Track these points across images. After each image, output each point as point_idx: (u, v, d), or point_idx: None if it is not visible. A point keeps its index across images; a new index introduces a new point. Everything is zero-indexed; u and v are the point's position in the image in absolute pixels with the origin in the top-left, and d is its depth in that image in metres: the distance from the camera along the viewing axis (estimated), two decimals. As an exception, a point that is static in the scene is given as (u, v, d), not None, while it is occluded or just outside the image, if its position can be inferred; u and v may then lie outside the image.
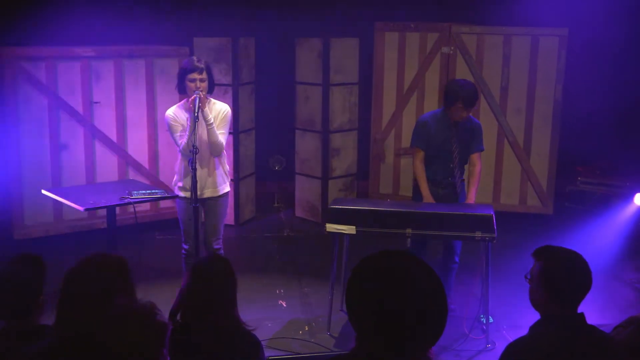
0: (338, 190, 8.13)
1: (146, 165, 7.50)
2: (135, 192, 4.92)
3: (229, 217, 7.84)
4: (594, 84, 7.80)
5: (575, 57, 7.84)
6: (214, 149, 5.21)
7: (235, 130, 7.75)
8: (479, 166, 5.42)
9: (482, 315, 5.40)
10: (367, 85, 8.25)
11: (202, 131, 5.14)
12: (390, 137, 8.30)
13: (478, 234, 4.84)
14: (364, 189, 8.53)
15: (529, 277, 3.04)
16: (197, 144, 4.99)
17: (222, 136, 5.25)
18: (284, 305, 5.83)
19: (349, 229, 5.00)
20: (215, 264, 3.22)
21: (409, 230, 4.93)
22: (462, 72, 7.91)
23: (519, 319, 5.52)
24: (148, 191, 4.98)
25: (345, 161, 8.15)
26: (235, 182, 7.84)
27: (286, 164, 8.77)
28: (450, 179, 5.41)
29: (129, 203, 4.76)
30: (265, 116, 8.56)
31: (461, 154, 5.39)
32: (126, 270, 2.81)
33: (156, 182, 7.53)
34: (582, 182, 8.93)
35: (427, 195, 5.35)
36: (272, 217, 8.43)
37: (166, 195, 4.98)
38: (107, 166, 7.27)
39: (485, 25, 7.94)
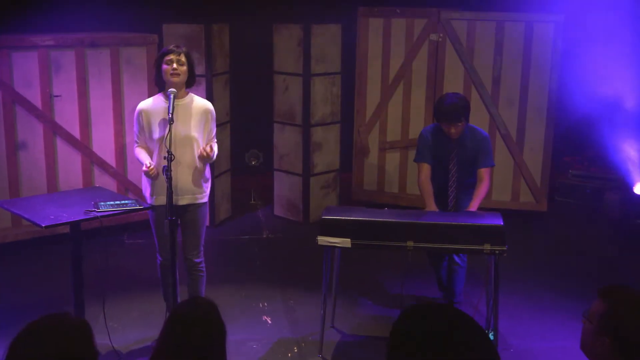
0: (320, 188, 7.63)
1: (113, 163, 6.90)
2: (102, 203, 4.35)
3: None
4: (591, 73, 7.36)
5: (571, 45, 7.39)
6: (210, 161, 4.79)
7: (210, 124, 7.16)
8: (486, 182, 5.03)
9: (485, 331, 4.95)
10: (350, 75, 7.75)
11: (178, 130, 4.56)
12: (374, 130, 7.81)
13: (487, 247, 4.38)
14: (347, 186, 8.04)
15: (586, 317, 2.54)
16: (173, 146, 4.43)
17: (214, 141, 4.74)
18: (269, 322, 5.31)
19: (343, 242, 4.50)
20: (198, 310, 2.67)
21: (410, 243, 4.44)
22: (451, 60, 7.45)
23: (527, 333, 5.10)
24: (117, 202, 4.41)
25: (327, 156, 7.63)
26: (211, 180, 7.26)
27: (263, 159, 8.23)
28: (443, 198, 5.03)
29: (95, 217, 4.19)
30: (241, 109, 8.01)
31: (461, 169, 4.99)
32: (88, 336, 2.23)
33: (124, 182, 6.95)
34: (574, 175, 8.57)
35: (430, 205, 4.97)
36: (249, 216, 7.90)
37: (137, 206, 4.41)
38: (70, 166, 6.67)
39: (476, 10, 7.47)
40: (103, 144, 6.81)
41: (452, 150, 5.03)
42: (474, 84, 7.41)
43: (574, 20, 7.33)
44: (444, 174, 5.08)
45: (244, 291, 5.85)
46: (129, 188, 6.98)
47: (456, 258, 5.10)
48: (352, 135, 7.89)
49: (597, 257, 6.71)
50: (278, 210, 7.85)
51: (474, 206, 4.96)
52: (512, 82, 7.41)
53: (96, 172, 6.81)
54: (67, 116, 6.60)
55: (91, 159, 6.77)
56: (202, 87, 7.09)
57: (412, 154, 7.66)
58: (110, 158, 6.88)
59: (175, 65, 4.50)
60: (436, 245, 4.48)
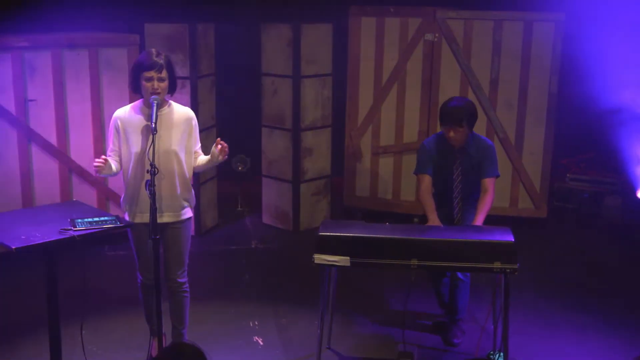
0: (311, 195, 7.29)
1: (92, 171, 6.48)
2: (79, 220, 3.98)
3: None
4: (593, 74, 7.08)
5: (572, 45, 7.09)
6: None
7: (195, 129, 6.80)
8: (490, 193, 4.73)
9: (491, 353, 4.66)
10: (341, 77, 7.41)
11: (159, 142, 4.20)
12: (367, 135, 7.48)
13: (497, 265, 4.07)
14: (338, 193, 7.71)
15: None
16: (157, 160, 4.08)
17: (201, 151, 4.45)
18: (261, 343, 4.97)
19: (342, 261, 4.17)
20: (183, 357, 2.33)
21: (414, 262, 4.12)
22: (447, 61, 7.13)
23: (537, 353, 4.80)
24: (95, 219, 4.04)
25: (318, 162, 7.30)
26: (196, 187, 6.92)
27: (251, 164, 7.88)
28: (448, 210, 4.72)
29: (71, 236, 3.83)
30: (227, 112, 7.65)
31: (465, 180, 4.70)
32: None
33: (104, 191, 6.57)
34: (571, 179, 8.28)
35: (433, 219, 4.66)
36: (236, 224, 7.55)
37: (118, 224, 4.05)
38: (47, 175, 6.27)
39: (473, 9, 7.15)
40: (82, 151, 6.43)
41: (455, 160, 4.74)
42: (471, 85, 7.11)
43: (575, 19, 7.03)
44: (447, 186, 4.79)
45: (232, 308, 5.50)
46: (109, 197, 6.61)
47: (459, 273, 4.79)
48: (344, 139, 7.56)
49: (601, 267, 6.42)
50: (267, 219, 7.51)
51: (479, 220, 4.65)
52: (510, 84, 7.11)
53: (75, 181, 6.43)
54: (43, 122, 6.21)
55: (69, 167, 6.39)
56: (187, 89, 6.74)
57: (406, 159, 7.44)
58: (89, 165, 6.48)
59: (156, 84, 4.14)
60: (442, 264, 4.16)
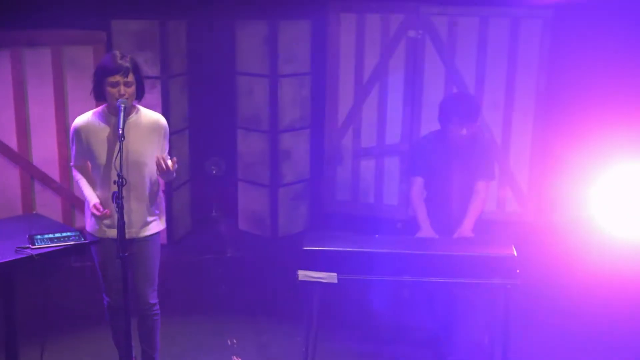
0: (289, 199, 6.95)
1: (56, 177, 6.12)
2: (39, 237, 3.62)
3: (162, 235, 6.59)
4: (582, 73, 6.82)
5: (561, 42, 6.82)
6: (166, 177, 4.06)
7: (166, 131, 6.43)
8: (483, 196, 4.42)
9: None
10: (320, 76, 7.07)
11: (127, 151, 3.84)
12: (348, 136, 7.15)
13: (497, 281, 3.77)
14: (318, 197, 7.37)
15: None
16: (124, 170, 3.71)
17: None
18: (240, 364, 4.63)
19: (328, 277, 3.84)
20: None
21: (407, 278, 3.80)
22: (431, 59, 6.83)
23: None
24: (57, 234, 3.68)
25: (296, 165, 6.96)
26: (168, 193, 6.55)
27: (226, 168, 7.51)
28: (444, 217, 4.37)
29: (29, 256, 3.46)
30: (200, 113, 7.25)
31: (462, 183, 4.35)
32: None
33: (70, 198, 6.18)
34: (555, 180, 8.03)
35: (425, 227, 4.28)
36: (211, 230, 7.17)
37: (81, 240, 3.69)
38: (7, 181, 5.87)
39: (458, 5, 6.83)
40: (45, 156, 6.02)
41: (453, 159, 4.35)
42: (456, 84, 6.81)
43: (563, 16, 6.75)
44: (445, 189, 4.41)
45: (208, 325, 5.16)
46: (75, 205, 6.22)
47: (455, 290, 4.48)
48: (324, 141, 7.22)
49: (595, 274, 6.15)
50: (243, 224, 7.15)
51: (468, 225, 4.33)
52: (496, 83, 6.82)
53: (37, 188, 6.03)
54: (3, 125, 5.81)
55: (31, 174, 5.98)
56: (157, 90, 6.36)
57: (389, 161, 7.13)
58: (53, 172, 6.10)
59: (122, 90, 3.76)
60: (438, 280, 3.84)
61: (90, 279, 5.65)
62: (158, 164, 3.81)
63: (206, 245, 6.77)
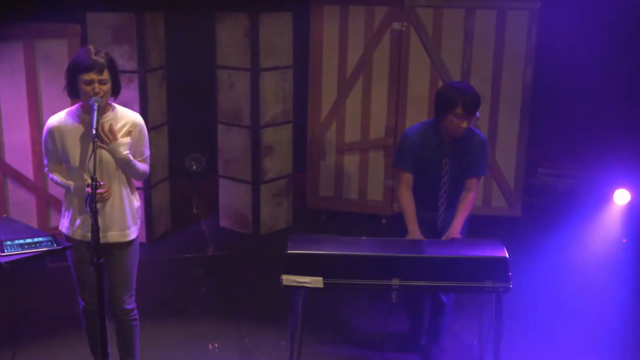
0: (272, 196, 6.78)
1: (30, 175, 5.90)
2: (8, 242, 3.43)
3: (140, 233, 6.39)
4: (569, 65, 6.71)
5: (548, 34, 6.71)
6: (139, 179, 3.90)
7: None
8: (474, 194, 4.22)
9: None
10: (303, 69, 6.91)
11: (102, 153, 3.66)
12: (331, 131, 7.01)
13: (488, 284, 3.63)
14: (301, 193, 7.22)
15: None
16: (99, 173, 3.53)
17: (145, 162, 3.85)
18: (221, 369, 4.46)
19: (314, 282, 3.68)
20: None
21: (395, 281, 3.65)
22: (416, 51, 6.69)
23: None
24: (28, 240, 3.49)
25: (279, 161, 6.79)
26: (146, 191, 6.37)
27: (206, 164, 7.33)
28: (430, 214, 4.19)
29: (-1, 264, 3.27)
30: (180, 108, 7.08)
31: (453, 179, 4.16)
32: None
33: (45, 197, 5.97)
34: (543, 174, 7.93)
35: (413, 231, 4.09)
36: (191, 228, 7.00)
37: (54, 246, 3.50)
38: (-22, 181, 5.66)
39: (443, -4, 6.70)
40: (18, 154, 5.80)
41: (444, 154, 4.13)
42: (442, 77, 6.67)
43: (549, 8, 6.63)
44: (433, 184, 4.19)
45: (189, 328, 4.97)
46: (50, 204, 6.01)
47: (442, 295, 4.34)
48: (307, 136, 7.07)
49: (583, 273, 6.05)
50: (224, 222, 6.98)
51: (459, 223, 4.16)
52: (483, 75, 6.70)
53: (10, 186, 5.81)
54: (-27, 122, 5.59)
55: (4, 172, 5.77)
56: (135, 84, 6.17)
57: (373, 156, 6.99)
58: (26, 169, 5.88)
59: (97, 88, 3.56)
60: (427, 284, 3.69)
61: (66, 280, 5.47)
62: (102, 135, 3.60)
63: (186, 243, 6.60)
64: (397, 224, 4.32)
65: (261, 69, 6.43)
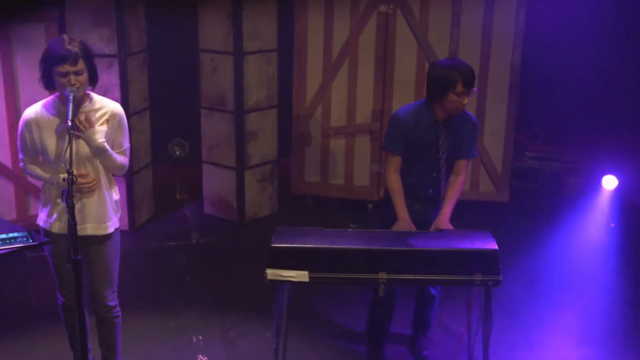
0: (256, 182, 6.67)
1: (8, 164, 5.77)
2: (-17, 238, 3.31)
3: (122, 221, 6.27)
4: (558, 48, 6.62)
5: (537, 17, 6.60)
6: (117, 173, 3.76)
7: (125, 112, 6.05)
8: (463, 176, 4.09)
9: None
10: (287, 53, 6.76)
11: (80, 144, 3.53)
12: (316, 115, 6.88)
13: (478, 277, 3.55)
14: (286, 178, 7.11)
15: None
16: (75, 165, 3.41)
17: (124, 155, 3.70)
18: (206, 363, 4.38)
19: (299, 276, 3.59)
20: None
21: (382, 275, 3.57)
22: (403, 35, 6.57)
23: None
24: (2, 235, 3.37)
25: (263, 146, 6.67)
26: (129, 177, 6.24)
27: (190, 149, 7.20)
28: (431, 191, 4.06)
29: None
30: (162, 93, 6.94)
31: (449, 161, 4.04)
32: None
33: (24, 185, 5.85)
34: (530, 157, 7.87)
35: (403, 217, 3.97)
36: (174, 215, 6.88)
37: (30, 242, 3.38)
38: (-46, 169, 5.51)
39: (431, -22, 6.57)
40: (-5, 141, 5.67)
41: (440, 136, 3.96)
42: (429, 60, 6.55)
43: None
44: (426, 168, 4.03)
45: (171, 319, 4.88)
46: (30, 191, 5.88)
47: (431, 288, 4.26)
48: (291, 121, 6.94)
49: (571, 258, 6.00)
50: (208, 208, 6.87)
51: (448, 209, 4.04)
52: (470, 59, 6.36)
53: (-12, 175, 5.67)
54: (-52, 109, 5.43)
55: (-20, 160, 5.63)
56: (115, 69, 6.01)
57: (359, 141, 6.88)
58: (4, 157, 5.75)
59: (72, 79, 3.42)
60: (415, 277, 3.61)
61: (47, 270, 5.36)
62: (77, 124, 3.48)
63: (170, 231, 6.48)
64: (385, 209, 4.19)
65: (245, 52, 6.28)
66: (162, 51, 6.94)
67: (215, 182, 6.75)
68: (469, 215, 5.67)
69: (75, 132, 3.47)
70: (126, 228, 6.29)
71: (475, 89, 3.92)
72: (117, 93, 6.02)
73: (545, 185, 7.58)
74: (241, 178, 6.59)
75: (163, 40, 6.96)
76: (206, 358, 4.40)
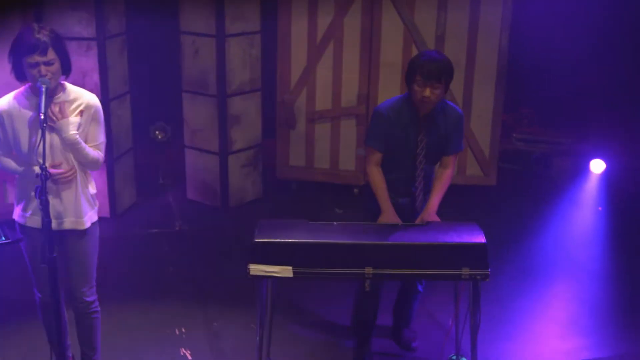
0: (240, 167, 6.56)
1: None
2: (-46, 236, 3.18)
3: (104, 208, 6.16)
4: (546, 31, 6.51)
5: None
6: (90, 168, 3.59)
7: (105, 97, 5.95)
8: (451, 170, 4.00)
9: (453, 356, 4.13)
10: (271, 35, 6.61)
11: (53, 137, 3.40)
12: (301, 98, 6.76)
13: (466, 272, 3.47)
14: (271, 163, 6.99)
15: None
16: (49, 160, 3.28)
17: (98, 149, 3.55)
18: (189, 357, 4.27)
19: (283, 271, 3.49)
20: None
21: (368, 270, 3.48)
22: (388, 16, 6.44)
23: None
24: (-25, 232, 3.25)
25: (247, 131, 6.54)
26: (109, 163, 6.10)
27: (172, 133, 7.06)
28: (411, 187, 3.97)
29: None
30: (142, 77, 6.79)
31: (429, 156, 3.93)
32: None
33: (1, 174, 5.67)
34: (518, 139, 7.80)
35: (387, 210, 3.87)
36: (157, 201, 6.76)
37: (2, 240, 3.26)
38: None
39: (417, -42, 6.42)
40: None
41: (419, 131, 3.88)
42: (415, 42, 6.44)
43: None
44: (407, 165, 3.94)
45: (153, 311, 4.77)
46: (7, 180, 5.78)
47: (418, 284, 4.18)
48: (275, 105, 6.81)
49: (558, 244, 5.94)
50: (191, 194, 6.75)
51: (435, 202, 3.96)
52: (458, 41, 6.47)
53: (-37, 163, 5.50)
54: None
55: (-45, 147, 5.46)
56: (93, 52, 5.85)
57: (345, 124, 6.76)
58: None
59: (43, 70, 3.27)
60: (402, 272, 3.52)
61: (18, 264, 5.22)
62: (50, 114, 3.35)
63: (152, 217, 6.37)
64: (370, 194, 4.09)
65: (227, 35, 6.13)
66: (142, 34, 6.76)
67: (199, 168, 6.62)
68: (456, 199, 5.61)
69: (49, 123, 3.34)
70: (107, 215, 6.17)
71: (427, 90, 3.75)
72: (96, 77, 5.87)
73: (533, 167, 7.51)
74: (224, 163, 6.47)
75: (143, 23, 6.77)
76: (189, 352, 4.30)
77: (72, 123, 3.41)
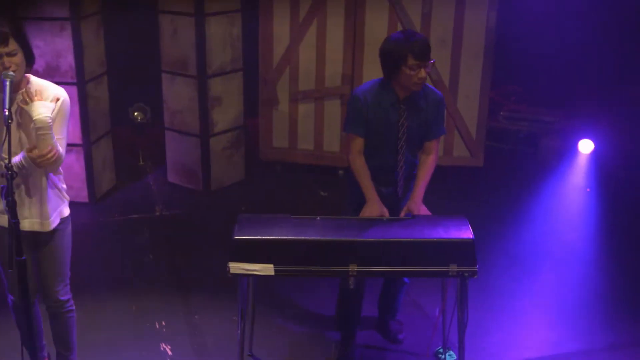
0: (222, 149, 6.40)
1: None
2: None
3: (81, 193, 6.01)
4: (535, 8, 6.35)
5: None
6: (50, 167, 3.34)
7: (81, 79, 5.76)
8: (434, 155, 3.86)
9: (440, 350, 4.05)
10: (252, 13, 6.42)
11: (19, 133, 3.23)
12: (284, 78, 6.60)
13: (453, 268, 3.35)
14: (254, 144, 6.84)
15: None
16: (16, 158, 3.12)
17: (59, 143, 3.33)
18: (169, 352, 4.16)
19: (264, 269, 3.37)
20: None
21: (353, 267, 3.36)
22: (373, -7, 6.23)
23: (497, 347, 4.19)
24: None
25: (229, 112, 6.38)
26: (86, 147, 5.93)
27: (152, 114, 6.88)
28: (394, 175, 3.83)
29: None
30: (119, 57, 6.60)
31: (410, 142, 3.79)
32: None
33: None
34: (505, 117, 7.68)
35: (372, 198, 3.73)
36: (137, 184, 6.60)
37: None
38: None
39: None
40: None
41: (400, 115, 3.73)
42: (401, 21, 6.26)
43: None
44: (388, 149, 3.80)
45: (133, 303, 4.64)
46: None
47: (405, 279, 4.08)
48: (258, 85, 6.64)
49: (546, 227, 5.85)
50: (172, 177, 6.60)
51: (421, 190, 3.83)
52: (444, 19, 6.30)
53: None
54: None
55: None
56: (67, 33, 5.66)
57: (329, 105, 6.61)
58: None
59: (5, 62, 3.08)
60: (388, 269, 3.41)
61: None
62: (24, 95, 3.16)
63: (132, 202, 6.21)
64: (351, 185, 3.96)
65: (207, 13, 5.94)
66: (118, 13, 6.55)
67: (179, 150, 6.46)
68: (443, 181, 5.51)
69: (21, 104, 3.15)
70: (86, 200, 6.02)
71: (432, 60, 3.63)
72: (71, 58, 5.68)
73: (520, 147, 7.40)
74: (206, 145, 6.31)
75: (119, 1, 6.56)
76: (169, 347, 4.19)
77: (47, 107, 3.21)
